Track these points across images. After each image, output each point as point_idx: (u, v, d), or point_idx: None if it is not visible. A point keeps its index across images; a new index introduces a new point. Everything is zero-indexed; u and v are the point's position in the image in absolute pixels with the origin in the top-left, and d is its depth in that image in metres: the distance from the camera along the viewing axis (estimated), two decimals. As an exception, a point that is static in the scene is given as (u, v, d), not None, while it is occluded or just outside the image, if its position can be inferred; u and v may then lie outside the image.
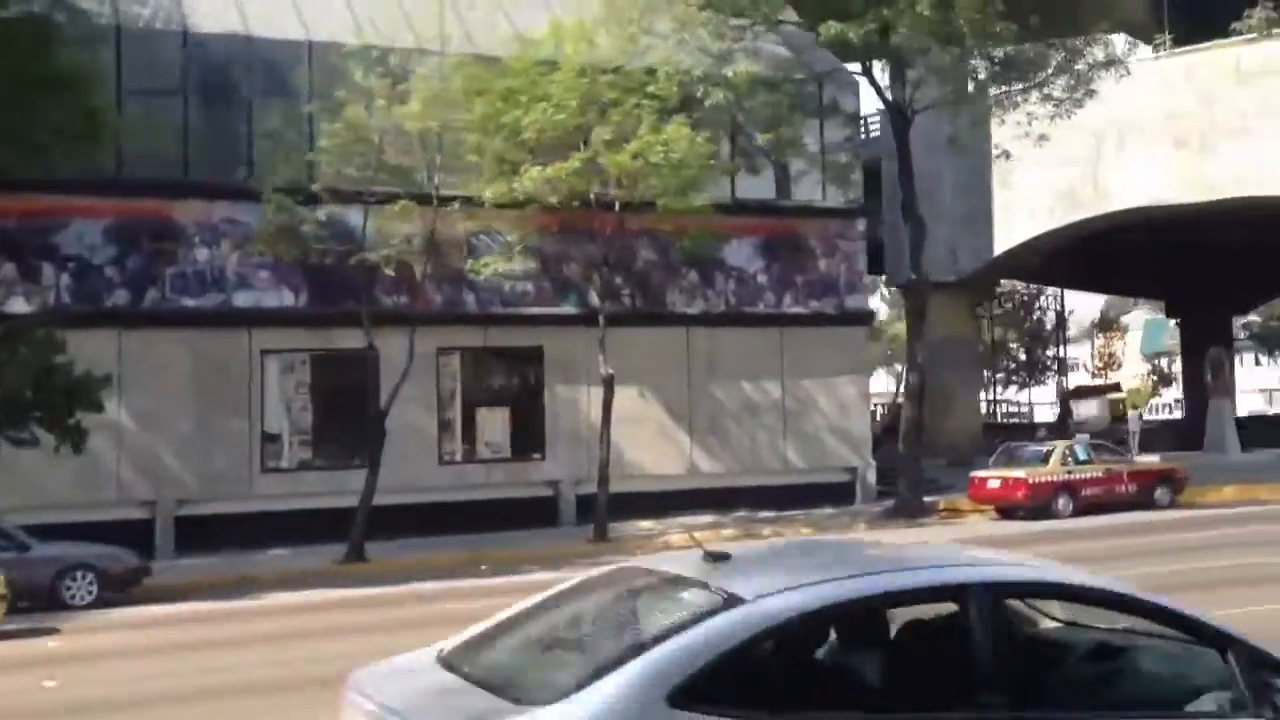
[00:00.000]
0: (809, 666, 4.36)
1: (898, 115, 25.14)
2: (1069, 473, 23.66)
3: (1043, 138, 27.31)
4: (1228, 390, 34.13)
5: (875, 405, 42.33)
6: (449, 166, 21.78)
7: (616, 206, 22.25)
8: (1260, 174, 33.49)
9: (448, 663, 4.34)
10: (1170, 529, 21.15)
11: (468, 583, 17.53)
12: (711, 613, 3.89)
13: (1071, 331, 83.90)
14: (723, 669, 3.73)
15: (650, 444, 25.29)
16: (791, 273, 26.69)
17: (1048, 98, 26.83)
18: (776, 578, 4.10)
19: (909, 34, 23.72)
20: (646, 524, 24.17)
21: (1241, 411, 62.89)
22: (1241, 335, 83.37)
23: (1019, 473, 23.62)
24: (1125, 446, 36.56)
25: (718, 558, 4.32)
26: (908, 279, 39.99)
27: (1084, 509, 23.46)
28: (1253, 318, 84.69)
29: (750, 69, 23.50)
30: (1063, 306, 60.95)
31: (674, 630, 3.86)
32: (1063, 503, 23.36)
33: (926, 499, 25.59)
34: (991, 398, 56.97)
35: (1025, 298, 71.31)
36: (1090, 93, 27.29)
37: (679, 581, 4.31)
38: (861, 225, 27.35)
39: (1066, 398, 45.45)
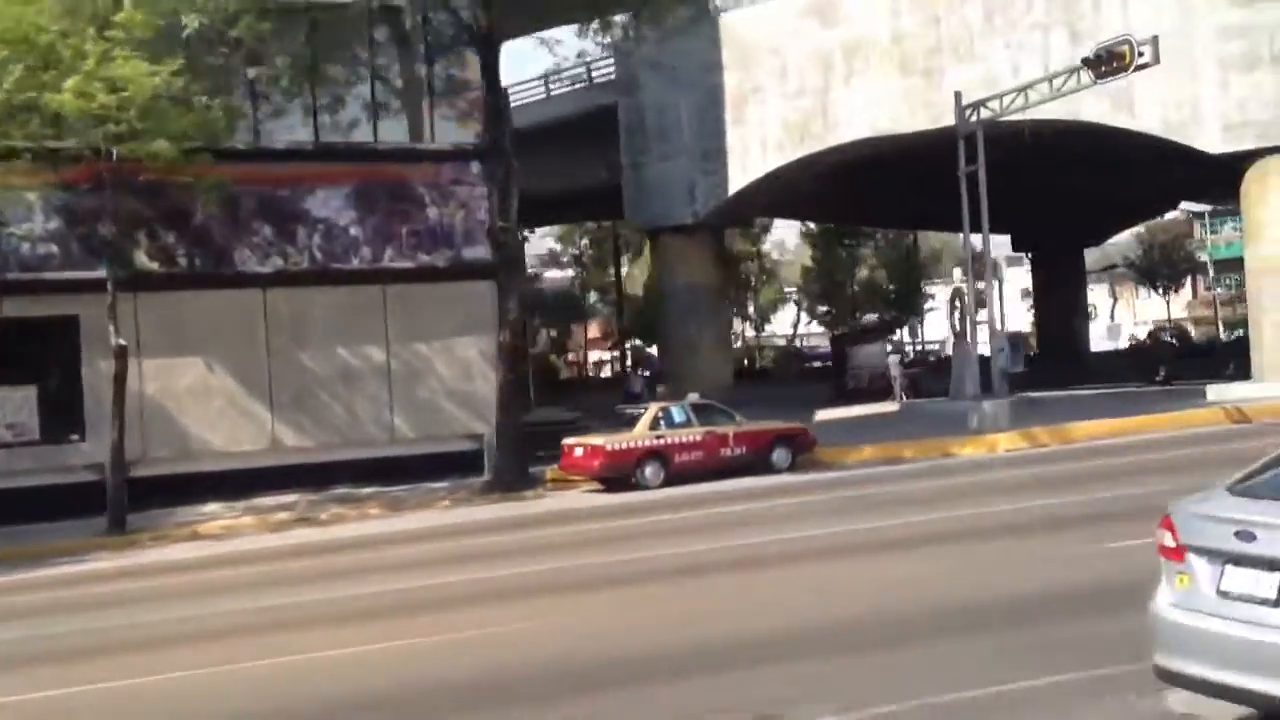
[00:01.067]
0: None
1: (483, 41, 22.33)
2: (659, 437, 21.20)
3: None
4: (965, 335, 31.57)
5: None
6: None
7: (114, 156, 19.58)
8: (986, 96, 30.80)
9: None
10: (730, 500, 18.85)
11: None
12: None
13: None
14: None
15: (220, 419, 22.82)
16: (394, 223, 24.03)
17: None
18: None
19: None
20: (213, 507, 21.82)
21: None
22: (1122, 267, 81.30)
23: (598, 440, 21.16)
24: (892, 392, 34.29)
25: None
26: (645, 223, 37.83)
27: (678, 476, 21.09)
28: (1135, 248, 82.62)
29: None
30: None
31: None
32: (650, 471, 20.93)
33: (542, 467, 23.09)
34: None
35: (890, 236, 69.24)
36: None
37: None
38: (476, 168, 24.53)
39: (839, 343, 42.95)
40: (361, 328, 23.76)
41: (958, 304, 34.94)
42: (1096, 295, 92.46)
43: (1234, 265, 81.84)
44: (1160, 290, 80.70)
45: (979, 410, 23.83)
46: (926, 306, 78.44)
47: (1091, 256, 77.45)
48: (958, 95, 25.67)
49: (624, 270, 66.68)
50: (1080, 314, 54.59)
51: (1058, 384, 35.71)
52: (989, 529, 13.74)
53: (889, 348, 40.41)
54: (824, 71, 33.17)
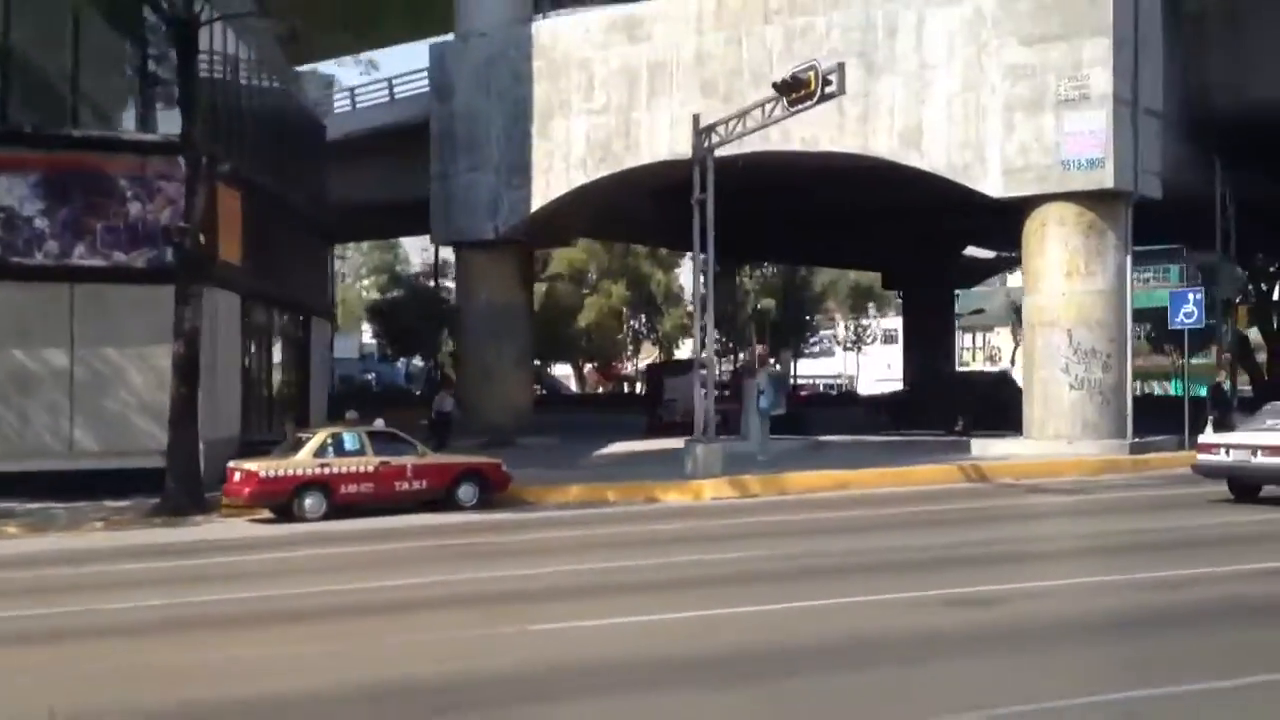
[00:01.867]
0: None
1: (181, 28, 20.67)
2: (323, 466, 19.58)
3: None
4: (753, 371, 30.29)
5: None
6: None
7: None
8: (785, 125, 29.49)
9: None
10: (385, 538, 17.37)
11: None
12: None
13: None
14: None
15: None
16: (88, 218, 22.30)
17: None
18: None
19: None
20: None
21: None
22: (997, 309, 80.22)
23: (253, 465, 19.52)
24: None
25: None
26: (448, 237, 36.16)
27: (345, 509, 19.51)
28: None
29: None
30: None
31: None
32: (311, 502, 19.32)
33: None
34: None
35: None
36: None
37: None
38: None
39: (656, 373, 41.52)
40: (43, 329, 22.03)
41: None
42: (1003, 339, 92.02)
43: (1148, 315, 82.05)
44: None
45: (693, 454, 22.36)
46: (813, 340, 77.56)
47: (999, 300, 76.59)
48: (695, 118, 24.25)
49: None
50: (943, 357, 53.38)
51: (864, 429, 34.57)
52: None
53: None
54: (629, 88, 31.77)
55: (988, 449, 26.19)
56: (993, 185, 26.54)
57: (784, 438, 30.63)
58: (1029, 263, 26.73)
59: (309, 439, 20.08)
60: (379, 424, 21.18)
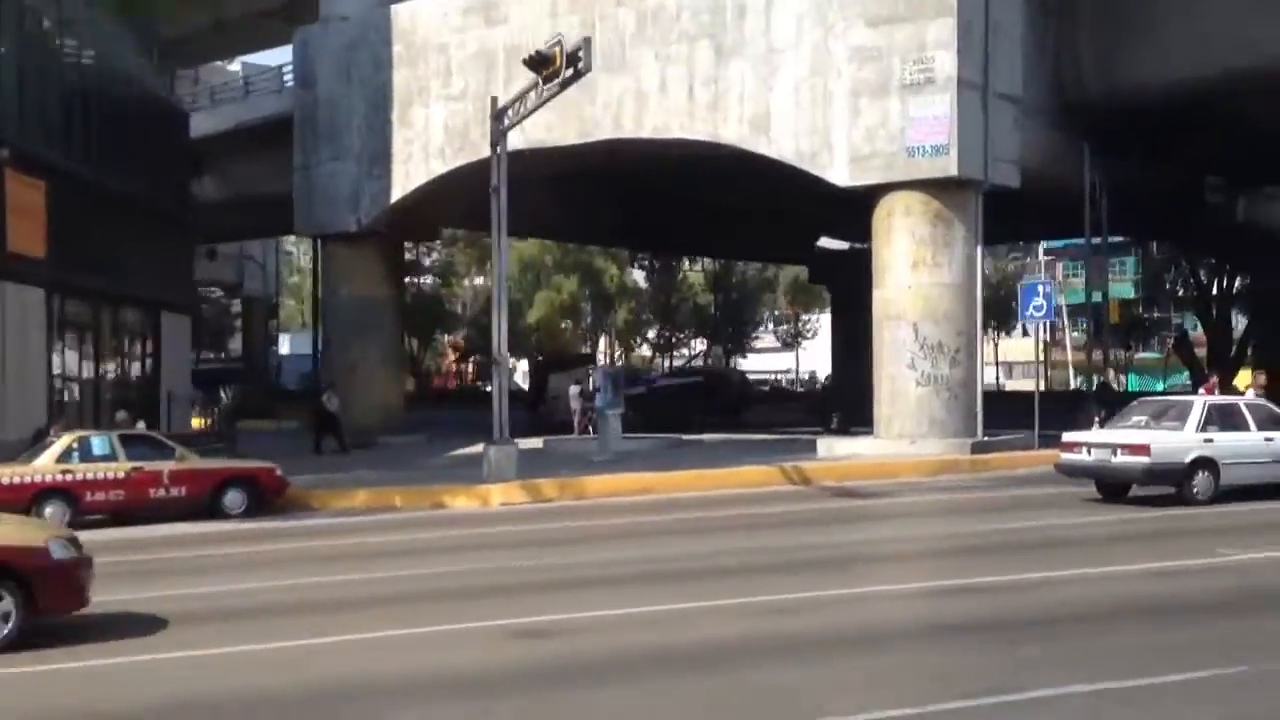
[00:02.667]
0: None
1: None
2: (66, 472, 18.32)
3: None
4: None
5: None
6: None
7: None
8: (637, 110, 28.36)
9: None
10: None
11: None
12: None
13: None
14: None
15: None
16: None
17: None
18: None
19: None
20: None
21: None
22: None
23: (-15, 471, 18.24)
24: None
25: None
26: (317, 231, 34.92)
27: (91, 518, 18.27)
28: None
29: None
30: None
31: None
32: (52, 510, 18.04)
33: None
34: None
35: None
36: None
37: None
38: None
39: (542, 369, 40.28)
40: None
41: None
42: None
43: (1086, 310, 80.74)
44: (992, 332, 78.56)
45: (488, 457, 21.11)
46: (753, 335, 76.35)
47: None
48: (493, 100, 23.05)
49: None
50: (864, 350, 51.99)
51: (732, 427, 33.48)
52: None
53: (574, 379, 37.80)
54: (486, 74, 30.48)
55: (834, 448, 25.00)
56: (839, 173, 25.30)
57: (643, 436, 29.48)
58: (877, 255, 25.49)
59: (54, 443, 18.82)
60: (140, 427, 19.94)
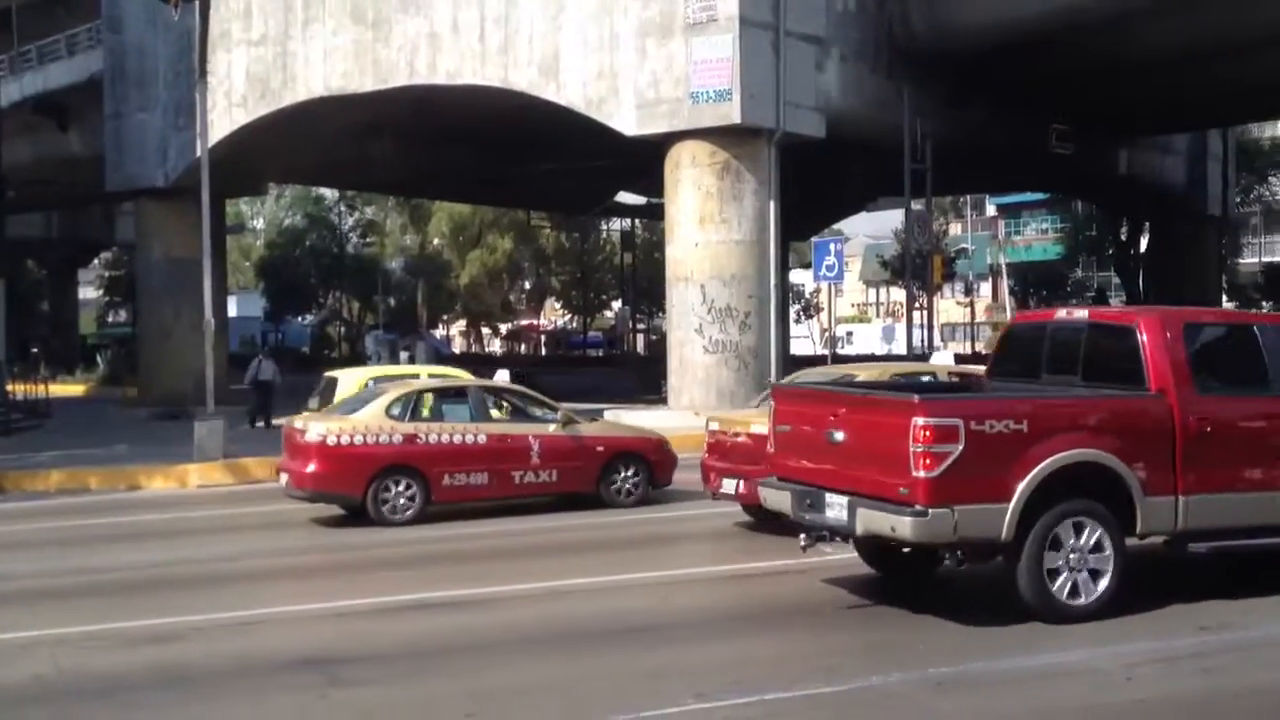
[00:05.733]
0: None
1: None
2: None
3: None
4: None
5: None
6: None
7: None
8: (431, 54, 26.38)
9: None
10: None
11: None
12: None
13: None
14: None
15: None
16: None
17: None
18: None
19: None
20: None
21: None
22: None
23: None
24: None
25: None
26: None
27: None
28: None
29: None
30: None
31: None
32: None
33: None
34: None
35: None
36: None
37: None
38: None
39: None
40: None
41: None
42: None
43: (1028, 268, 78.54)
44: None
45: (199, 433, 19.29)
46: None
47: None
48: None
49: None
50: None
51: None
52: None
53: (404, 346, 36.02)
54: (285, 17, 28.43)
55: (621, 419, 23.18)
56: (626, 122, 23.41)
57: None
58: (668, 209, 23.67)
59: None
60: None
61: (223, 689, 7.46)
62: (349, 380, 17.50)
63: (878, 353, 58.42)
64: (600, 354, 70.58)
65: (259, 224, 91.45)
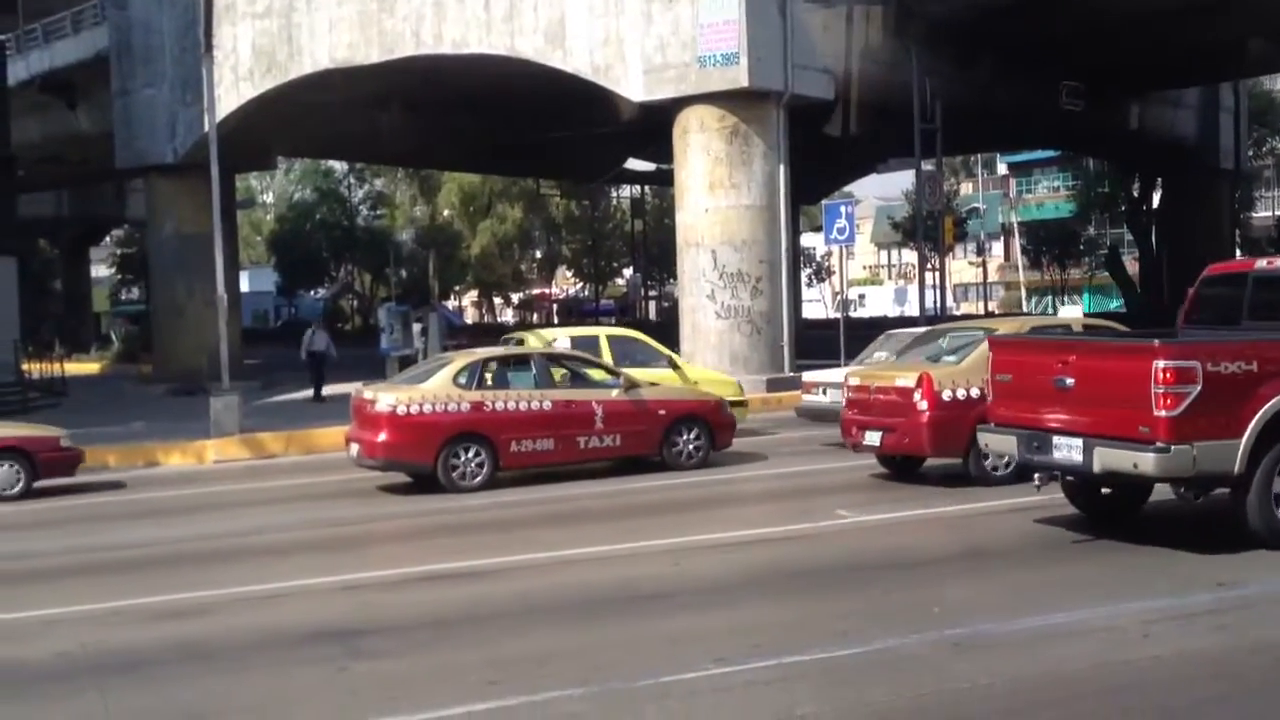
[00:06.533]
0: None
1: None
2: None
3: None
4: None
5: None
6: None
7: None
8: (436, 23, 26.27)
9: None
10: None
11: None
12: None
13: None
14: None
15: None
16: None
17: None
18: None
19: None
20: None
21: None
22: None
23: None
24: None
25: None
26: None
27: None
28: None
29: None
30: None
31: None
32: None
33: None
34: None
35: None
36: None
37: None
38: None
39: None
40: None
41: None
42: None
43: (1040, 226, 78.01)
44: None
45: (215, 408, 19.36)
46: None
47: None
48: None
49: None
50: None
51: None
52: None
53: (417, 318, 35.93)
54: (290, -12, 28.35)
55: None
56: (634, 88, 23.31)
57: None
58: (677, 176, 23.60)
59: None
60: None
61: (244, 662, 7.52)
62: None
63: (890, 315, 58.12)
64: (613, 321, 70.70)
65: (269, 198, 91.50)
